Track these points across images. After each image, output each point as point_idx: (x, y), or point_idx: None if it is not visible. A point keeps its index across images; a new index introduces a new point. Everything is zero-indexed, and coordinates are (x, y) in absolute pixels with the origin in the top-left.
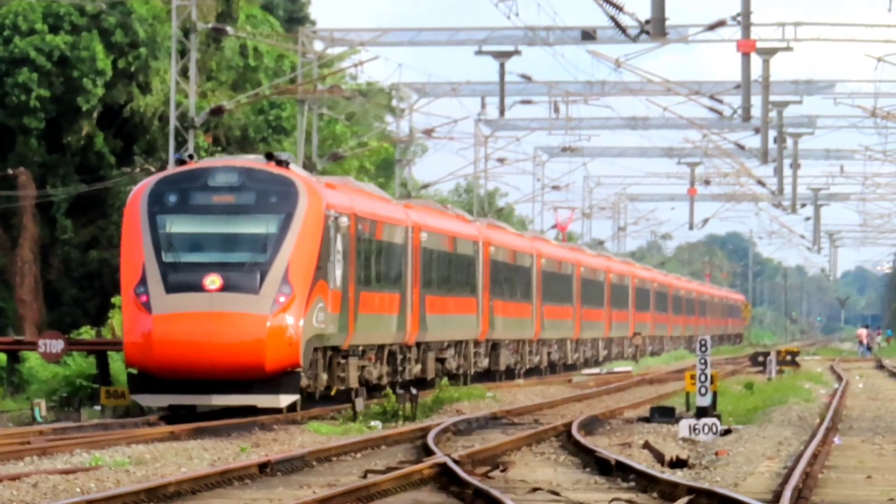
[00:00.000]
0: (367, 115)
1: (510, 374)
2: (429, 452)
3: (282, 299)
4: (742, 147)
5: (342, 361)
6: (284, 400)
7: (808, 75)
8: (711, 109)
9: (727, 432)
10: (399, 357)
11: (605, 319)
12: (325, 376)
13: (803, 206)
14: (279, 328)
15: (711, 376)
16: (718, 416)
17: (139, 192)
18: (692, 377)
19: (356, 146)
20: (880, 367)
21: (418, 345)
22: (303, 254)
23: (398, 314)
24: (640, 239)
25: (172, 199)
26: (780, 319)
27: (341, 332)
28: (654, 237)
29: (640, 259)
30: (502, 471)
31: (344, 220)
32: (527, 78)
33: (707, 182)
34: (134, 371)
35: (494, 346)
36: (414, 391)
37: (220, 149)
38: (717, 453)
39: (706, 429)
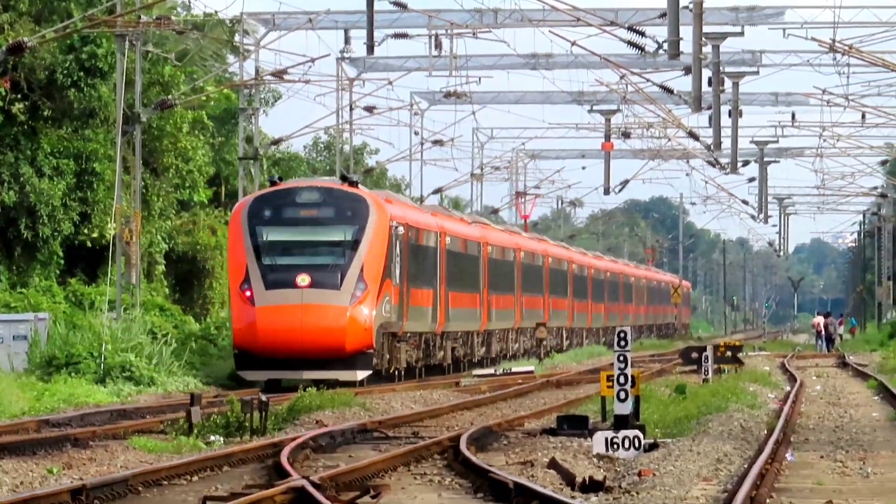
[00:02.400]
0: (204, 53)
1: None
2: (282, 474)
3: (358, 293)
4: (670, 91)
5: (398, 345)
6: (360, 374)
7: (752, 1)
8: (631, 44)
9: (653, 447)
10: (431, 343)
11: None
12: (387, 356)
13: (746, 164)
14: (356, 317)
15: (633, 377)
16: (642, 428)
17: (240, 208)
18: (609, 379)
19: (190, 92)
20: (843, 364)
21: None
22: (374, 257)
23: (432, 307)
24: (543, 206)
25: (268, 213)
26: (719, 306)
27: (399, 320)
28: (561, 204)
29: (544, 231)
30: (373, 497)
31: (401, 230)
32: (401, 6)
33: (626, 135)
34: (239, 352)
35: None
36: (264, 398)
37: (19, 96)
38: (640, 473)
39: (626, 443)
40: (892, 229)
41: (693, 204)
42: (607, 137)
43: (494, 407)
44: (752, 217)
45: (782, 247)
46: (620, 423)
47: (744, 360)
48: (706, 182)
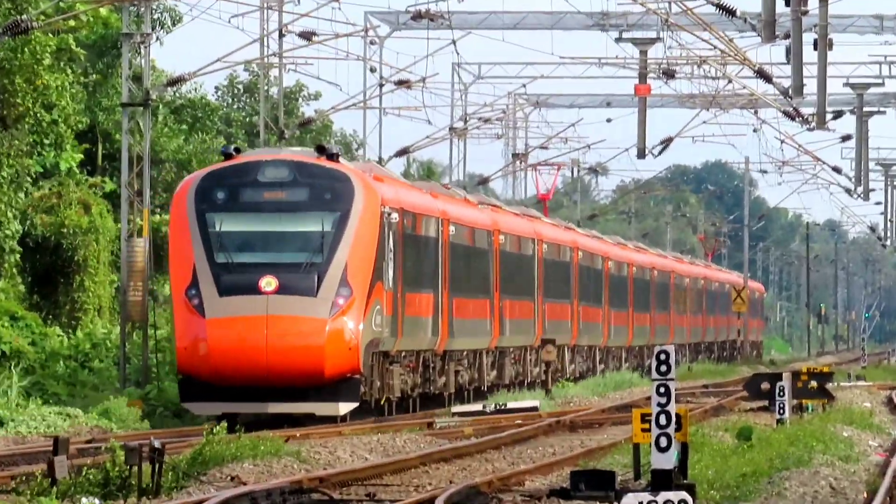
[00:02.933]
0: None
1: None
2: None
3: (341, 302)
4: (731, 12)
5: (390, 368)
6: (343, 408)
7: None
8: None
9: None
10: (430, 365)
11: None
12: (377, 383)
13: (838, 115)
14: (338, 332)
15: (679, 417)
16: (691, 488)
17: (185, 188)
18: (644, 419)
19: (53, 12)
20: None
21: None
22: (361, 254)
23: (431, 317)
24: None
25: (222, 195)
26: (800, 316)
27: (392, 336)
28: (577, 172)
29: (554, 210)
30: None
31: (395, 217)
32: None
33: (669, 74)
34: (184, 378)
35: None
36: (157, 444)
37: None
38: None
39: None
40: None
41: (763, 172)
42: (643, 78)
43: (483, 458)
44: (847, 191)
45: (890, 234)
46: (661, 481)
47: (835, 394)
48: (782, 142)
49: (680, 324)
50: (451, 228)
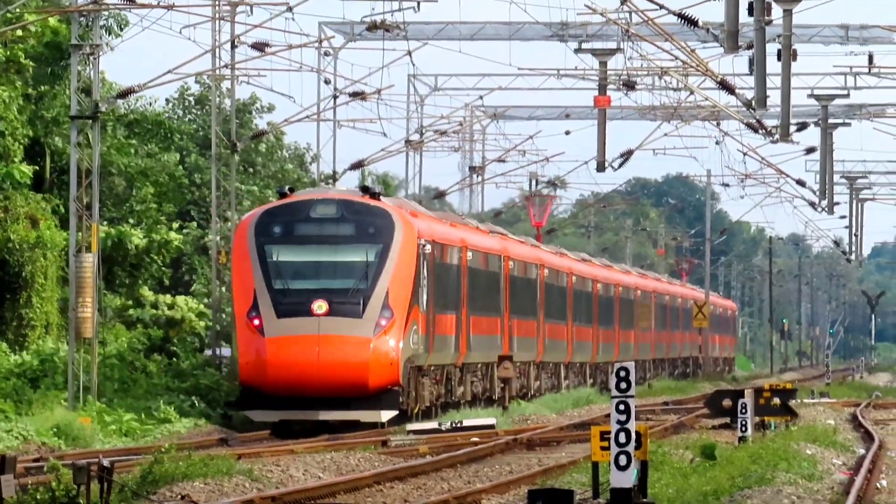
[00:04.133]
0: None
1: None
2: None
3: (383, 322)
4: (693, 22)
5: (422, 380)
6: (385, 415)
7: None
8: None
9: None
10: (451, 377)
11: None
12: (413, 394)
13: (802, 128)
14: (381, 349)
15: (638, 434)
16: None
17: (246, 223)
18: (603, 437)
19: (1, 23)
20: None
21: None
22: (400, 280)
23: (455, 335)
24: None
25: (278, 230)
26: (763, 332)
27: (425, 352)
28: (535, 185)
29: (511, 224)
30: None
31: (428, 248)
32: None
33: (630, 86)
34: (245, 389)
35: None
36: (106, 463)
37: None
38: None
39: None
40: None
41: (726, 185)
42: (602, 90)
43: (439, 477)
44: (812, 205)
45: (854, 248)
46: (620, 500)
47: (798, 411)
48: (745, 154)
49: (643, 340)
50: (469, 255)
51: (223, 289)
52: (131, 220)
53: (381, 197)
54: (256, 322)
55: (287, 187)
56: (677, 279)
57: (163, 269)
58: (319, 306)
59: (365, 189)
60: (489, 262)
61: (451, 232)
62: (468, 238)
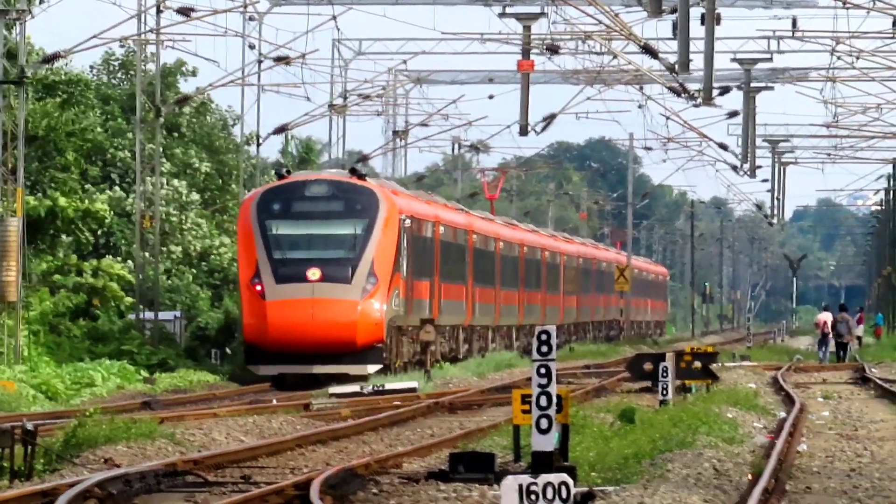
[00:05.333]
0: None
1: None
2: None
3: (369, 287)
4: None
5: (402, 339)
6: (371, 369)
7: None
8: None
9: (587, 498)
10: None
11: (434, 296)
12: (395, 350)
13: (725, 91)
14: (368, 311)
15: (560, 398)
16: (572, 470)
17: (249, 202)
18: (525, 400)
19: None
20: (862, 380)
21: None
22: (384, 251)
23: (429, 298)
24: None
25: (278, 207)
26: (684, 296)
27: (405, 314)
28: (458, 149)
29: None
30: None
31: (408, 222)
32: None
33: (553, 50)
34: (249, 346)
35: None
36: (29, 426)
37: None
38: None
39: (549, 492)
40: None
41: (648, 149)
42: (526, 54)
43: (360, 440)
44: (734, 169)
45: (777, 212)
46: (541, 463)
47: (719, 375)
48: (667, 118)
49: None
50: (441, 229)
51: (146, 253)
52: (53, 185)
53: (367, 178)
54: (258, 288)
55: (285, 169)
56: (610, 245)
57: (89, 237)
58: (313, 273)
59: (353, 171)
60: (457, 235)
61: (425, 208)
62: (441, 214)
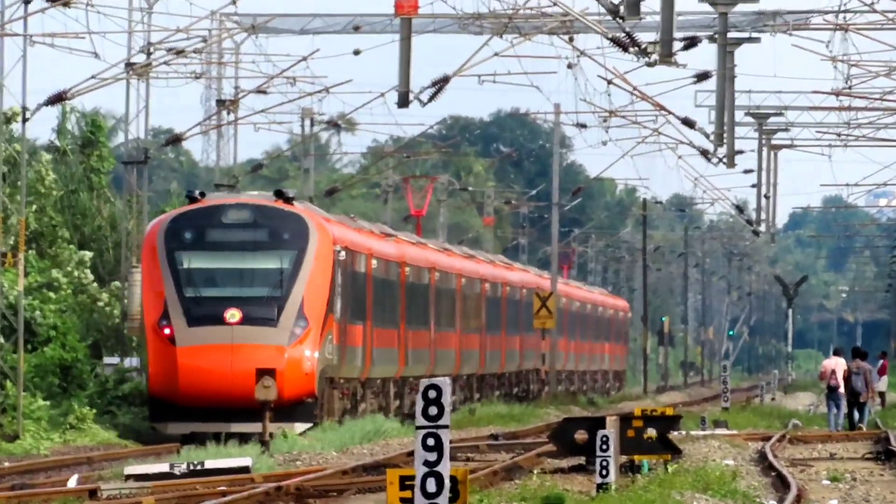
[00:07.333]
0: None
1: None
2: None
3: (298, 331)
4: None
5: (333, 392)
6: (300, 427)
7: None
8: None
9: None
10: (357, 392)
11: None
12: (326, 406)
13: (691, 45)
14: (296, 359)
15: (455, 481)
16: None
17: (155, 229)
18: (405, 483)
19: None
20: (885, 453)
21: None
22: (316, 288)
23: (362, 346)
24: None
25: (189, 235)
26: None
27: (339, 363)
28: (310, 126)
29: (276, 182)
30: None
31: (343, 255)
32: None
33: None
34: (154, 400)
35: None
36: None
37: None
38: None
39: None
40: None
41: (582, 127)
42: None
43: None
44: (704, 155)
45: (765, 216)
46: None
47: (682, 448)
48: (609, 82)
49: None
50: (374, 262)
51: None
52: None
53: (295, 201)
54: (167, 331)
55: (197, 192)
56: (542, 269)
57: None
58: (232, 315)
59: (279, 193)
60: (389, 269)
61: (358, 238)
62: (374, 245)
